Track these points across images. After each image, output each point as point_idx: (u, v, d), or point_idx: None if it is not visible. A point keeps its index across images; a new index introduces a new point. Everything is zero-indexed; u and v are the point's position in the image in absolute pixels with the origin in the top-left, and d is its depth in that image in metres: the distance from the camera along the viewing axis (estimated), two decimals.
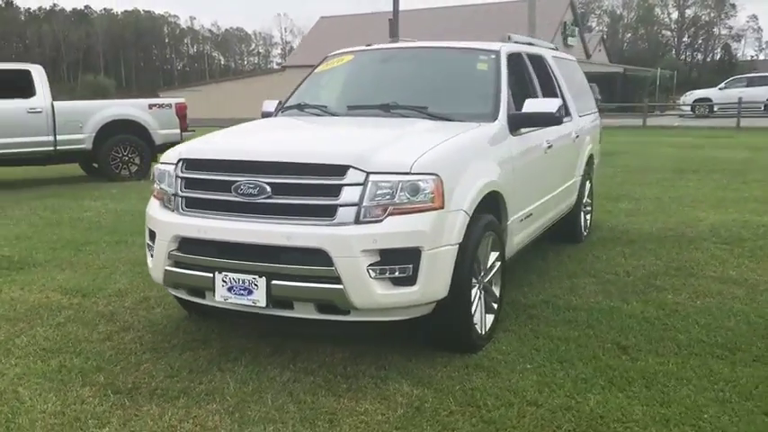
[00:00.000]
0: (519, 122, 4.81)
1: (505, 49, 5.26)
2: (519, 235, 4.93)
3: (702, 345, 4.19)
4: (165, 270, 4.00)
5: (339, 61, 5.71)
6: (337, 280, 3.55)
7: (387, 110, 4.81)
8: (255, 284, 3.68)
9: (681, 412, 3.35)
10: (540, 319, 4.69)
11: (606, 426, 3.22)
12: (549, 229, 6.21)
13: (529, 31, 25.90)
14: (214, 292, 3.80)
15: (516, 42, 6.04)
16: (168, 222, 3.99)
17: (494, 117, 4.68)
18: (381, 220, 3.59)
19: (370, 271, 3.55)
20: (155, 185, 4.23)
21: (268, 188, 3.71)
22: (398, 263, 3.60)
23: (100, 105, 13.02)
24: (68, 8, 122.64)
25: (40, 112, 12.02)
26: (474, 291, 4.11)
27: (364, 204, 3.59)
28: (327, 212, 3.62)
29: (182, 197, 3.99)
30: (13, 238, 7.60)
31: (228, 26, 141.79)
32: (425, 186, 3.65)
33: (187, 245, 3.92)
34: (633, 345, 4.21)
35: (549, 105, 4.80)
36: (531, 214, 5.14)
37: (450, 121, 4.59)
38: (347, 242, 3.54)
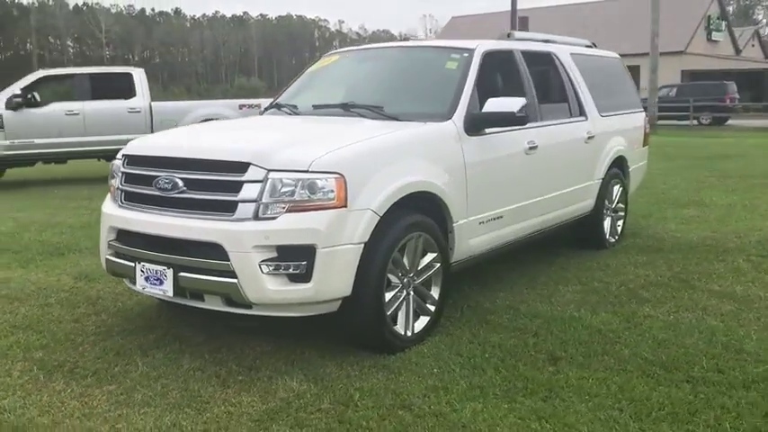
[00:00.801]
0: (478, 122, 4.69)
1: (483, 47, 5.13)
2: (480, 237, 4.81)
3: (641, 362, 3.92)
4: (106, 258, 4.29)
5: (327, 62, 5.81)
6: (233, 274, 3.67)
7: (346, 109, 4.85)
8: (165, 275, 3.87)
9: (552, 428, 3.18)
10: (492, 324, 4.56)
11: None
12: (555, 233, 6.00)
13: (651, 25, 24.64)
14: (135, 280, 4.03)
15: (517, 39, 5.86)
16: (108, 214, 4.27)
17: (447, 117, 4.60)
18: (276, 217, 3.66)
19: (263, 266, 3.64)
20: (109, 181, 4.52)
21: (181, 183, 3.89)
22: (293, 260, 3.66)
23: (194, 105, 13.86)
24: (228, 14, 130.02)
25: (139, 111, 12.97)
26: (396, 291, 4.07)
27: (263, 201, 3.68)
28: (229, 208, 3.74)
29: (121, 191, 4.26)
30: (77, 227, 8.32)
31: (375, 29, 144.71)
32: (324, 185, 3.69)
33: (122, 236, 4.18)
34: (568, 357, 4.01)
35: (511, 105, 4.64)
36: (500, 217, 4.98)
37: (396, 120, 4.57)
38: (240, 237, 3.64)
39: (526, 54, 5.63)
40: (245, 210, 3.70)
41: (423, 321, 4.32)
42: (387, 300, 4.00)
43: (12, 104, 12.14)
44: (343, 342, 4.16)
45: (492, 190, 4.88)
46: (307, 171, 3.69)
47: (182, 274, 3.82)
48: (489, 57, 5.14)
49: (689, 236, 7.11)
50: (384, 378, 3.74)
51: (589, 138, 6.14)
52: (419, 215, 4.19)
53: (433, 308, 4.37)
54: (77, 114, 12.62)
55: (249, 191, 3.71)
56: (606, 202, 6.66)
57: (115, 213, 4.21)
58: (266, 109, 5.57)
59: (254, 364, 3.96)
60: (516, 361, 3.95)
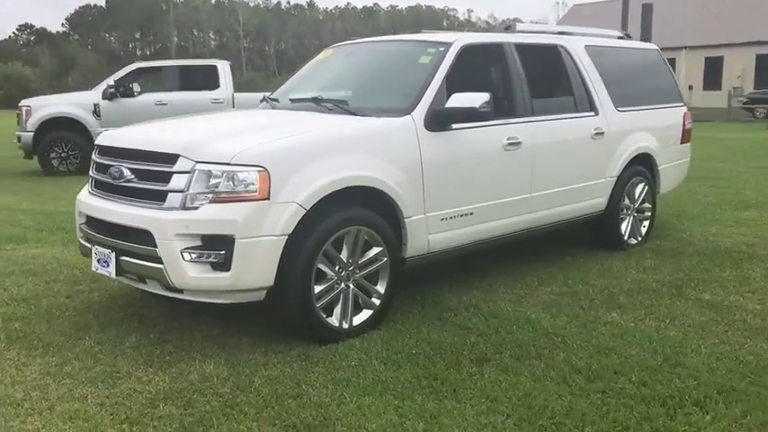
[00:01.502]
0: (440, 118, 4.64)
1: (461, 42, 5.05)
2: (443, 234, 4.76)
3: (568, 369, 3.78)
4: (79, 241, 4.64)
5: (323, 55, 5.92)
6: (159, 260, 3.88)
7: (317, 103, 4.95)
8: (110, 258, 4.15)
9: (425, 428, 3.16)
10: (444, 321, 4.54)
11: (307, 427, 3.18)
12: (555, 231, 5.83)
13: None
14: (92, 261, 4.35)
15: (519, 32, 5.71)
16: (79, 200, 4.61)
17: (407, 112, 4.59)
18: (199, 208, 3.83)
19: (185, 254, 3.82)
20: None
21: (126, 172, 4.15)
22: (213, 249, 3.82)
23: None
24: (359, 6, 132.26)
25: (222, 102, 13.60)
26: (331, 283, 4.14)
27: (190, 191, 3.86)
28: (160, 197, 3.96)
29: (91, 178, 4.59)
30: None
31: (506, 17, 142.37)
32: (246, 177, 3.82)
33: (88, 220, 4.50)
34: (499, 359, 3.94)
35: (473, 100, 4.57)
36: (470, 213, 4.91)
37: (354, 115, 4.62)
38: (164, 225, 3.85)
39: (521, 47, 5.48)
40: (173, 199, 3.90)
41: (365, 315, 4.35)
42: (317, 291, 4.07)
43: (107, 95, 13.09)
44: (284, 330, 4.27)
45: (458, 186, 4.81)
46: (229, 164, 3.83)
47: (122, 257, 4.08)
48: (469, 51, 5.06)
49: (723, 240, 6.65)
50: (298, 367, 3.83)
51: (597, 134, 5.88)
52: (359, 209, 4.23)
53: (378, 302, 4.39)
54: (166, 104, 13.38)
55: (178, 181, 3.90)
56: (625, 202, 6.35)
57: (83, 199, 4.54)
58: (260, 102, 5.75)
59: (190, 346, 4.16)
60: (441, 360, 3.92)
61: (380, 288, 4.41)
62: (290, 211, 3.89)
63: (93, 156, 4.61)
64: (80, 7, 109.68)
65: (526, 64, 5.44)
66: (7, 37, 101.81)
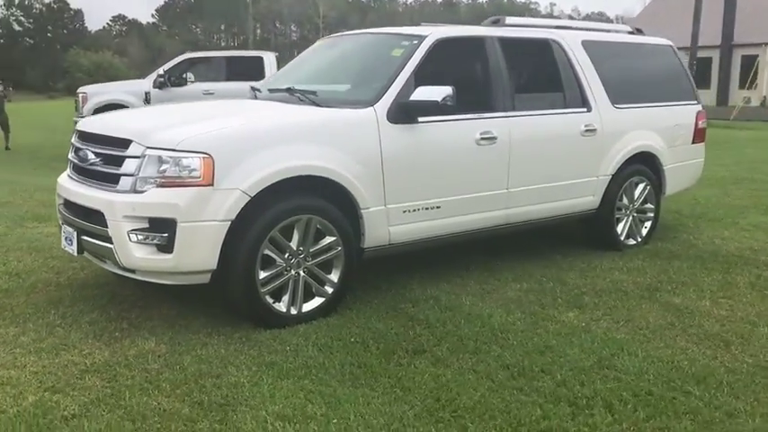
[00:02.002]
0: (404, 111, 4.67)
1: (436, 35, 5.05)
2: (406, 226, 4.79)
3: (496, 365, 3.78)
4: (59, 222, 4.90)
5: (315, 46, 6.03)
6: (110, 240, 4.08)
7: (291, 93, 5.05)
8: (73, 236, 4.38)
9: (320, 411, 3.24)
10: (397, 312, 4.58)
11: (213, 404, 3.31)
12: (539, 227, 5.78)
13: None
14: (61, 239, 4.59)
15: (508, 25, 5.65)
16: (58, 183, 4.87)
17: (370, 104, 4.64)
18: (146, 191, 4.00)
19: (131, 235, 4.00)
20: None
21: (91, 156, 4.37)
22: (158, 231, 3.98)
23: None
24: None
25: None
26: (278, 270, 4.24)
27: (140, 175, 4.04)
28: (115, 180, 4.15)
29: (70, 161, 4.83)
30: None
31: (590, 11, 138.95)
32: (190, 163, 3.96)
33: (65, 202, 4.75)
34: (434, 352, 3.95)
35: (435, 94, 4.59)
36: (437, 207, 4.92)
37: (317, 106, 4.70)
38: (113, 207, 4.05)
39: (505, 41, 5.42)
40: (125, 182, 4.08)
41: (317, 302, 4.44)
42: (263, 277, 4.18)
43: (157, 83, 13.58)
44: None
45: (424, 179, 4.83)
46: (175, 150, 3.98)
47: (83, 237, 4.30)
48: (444, 44, 5.06)
49: (729, 245, 6.39)
50: (233, 349, 3.96)
51: (588, 130, 5.76)
52: (311, 198, 4.31)
53: (330, 290, 4.47)
54: (212, 93, 13.76)
55: (130, 165, 4.09)
56: (623, 201, 6.20)
57: (61, 182, 4.79)
58: None
59: (144, 324, 4.34)
60: (377, 349, 3.97)
61: (333, 277, 4.49)
62: (234, 198, 4.01)
63: (72, 140, 4.85)
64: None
65: (510, 58, 5.39)
66: (101, 27, 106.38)
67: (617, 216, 6.21)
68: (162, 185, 3.98)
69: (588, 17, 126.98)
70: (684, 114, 6.69)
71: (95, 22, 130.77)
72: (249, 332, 4.19)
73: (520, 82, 5.46)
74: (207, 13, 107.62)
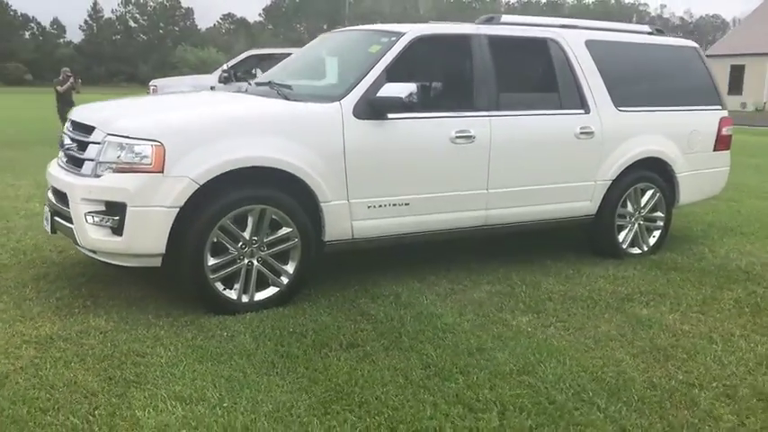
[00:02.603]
0: (371, 107, 4.69)
1: (414, 33, 5.03)
2: (371, 221, 4.81)
3: (414, 362, 3.77)
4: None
5: (312, 42, 6.12)
6: (71, 221, 4.32)
7: (272, 87, 5.17)
8: (48, 216, 4.66)
9: (217, 393, 3.33)
10: (353, 306, 4.61)
11: (124, 380, 3.46)
12: (528, 230, 5.67)
13: None
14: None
15: (504, 23, 5.55)
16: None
17: (339, 98, 4.68)
18: (102, 175, 4.21)
19: (88, 217, 4.22)
20: None
21: (68, 141, 4.63)
22: (110, 214, 4.19)
23: None
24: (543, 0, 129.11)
25: None
26: (230, 258, 4.36)
27: (99, 160, 4.26)
28: (80, 164, 4.39)
29: (61, 148, 5.13)
30: None
31: (703, 13, 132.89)
32: (141, 150, 4.14)
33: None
34: (366, 346, 3.94)
35: (399, 90, 4.59)
36: (406, 204, 4.92)
37: (286, 99, 4.79)
38: (74, 190, 4.28)
39: (495, 40, 5.34)
40: (87, 167, 4.31)
41: (270, 291, 4.53)
42: (213, 264, 4.31)
43: (221, 78, 14.05)
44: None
45: (392, 175, 4.83)
46: (129, 137, 4.17)
47: (54, 217, 4.56)
48: (423, 42, 5.04)
49: (743, 260, 6.01)
50: (172, 332, 4.08)
51: (585, 133, 5.59)
52: (265, 189, 4.40)
53: (285, 281, 4.55)
54: None
55: (92, 151, 4.31)
56: (627, 208, 5.98)
57: (49, 166, 5.08)
58: None
59: (105, 303, 4.54)
60: (311, 340, 4.00)
61: (289, 268, 4.56)
62: (182, 185, 4.15)
63: (65, 127, 5.14)
64: None
65: (500, 57, 5.30)
66: (212, 25, 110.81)
67: (619, 223, 5.99)
68: (117, 171, 4.17)
69: (702, 19, 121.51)
70: (705, 120, 6.36)
71: (206, 20, 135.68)
72: (198, 317, 4.32)
73: (509, 81, 5.35)
74: (311, 13, 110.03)
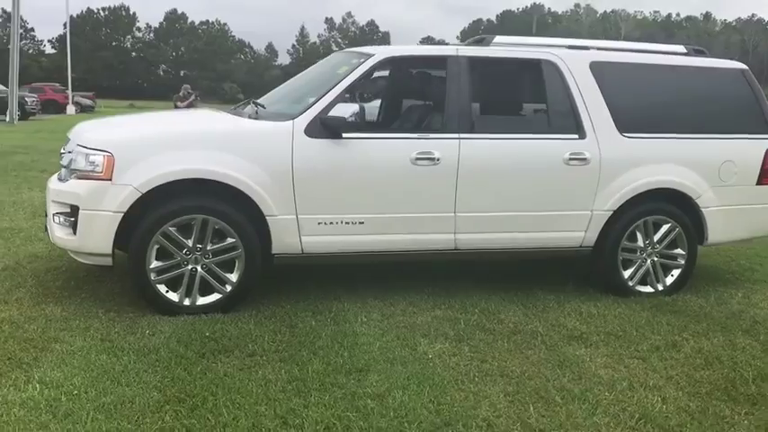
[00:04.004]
0: (324, 126, 4.83)
1: (384, 54, 5.10)
2: (321, 237, 4.93)
3: (286, 376, 3.83)
4: None
5: (321, 61, 6.36)
6: (48, 220, 4.91)
7: (249, 103, 5.49)
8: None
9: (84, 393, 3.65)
10: (286, 318, 4.72)
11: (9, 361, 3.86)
12: (508, 259, 5.49)
13: None
14: None
15: (496, 45, 5.43)
16: None
17: (293, 118, 4.89)
18: (68, 181, 4.75)
19: (55, 217, 4.78)
20: None
21: (62, 151, 5.25)
22: (70, 216, 4.71)
23: None
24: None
25: None
26: (173, 262, 4.71)
27: (70, 167, 4.81)
28: (61, 171, 4.97)
29: None
30: None
31: None
32: (95, 159, 4.62)
33: None
34: (257, 356, 4.05)
35: (345, 111, 4.73)
36: (361, 222, 4.98)
37: (250, 119, 5.07)
38: (49, 193, 4.87)
39: (477, 61, 5.24)
40: (63, 173, 4.88)
41: (213, 298, 4.81)
42: (155, 266, 4.67)
43: None
44: None
45: (344, 193, 4.91)
46: (87, 147, 4.66)
47: (45, 217, 5.18)
48: (393, 63, 5.12)
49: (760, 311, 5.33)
50: (98, 325, 4.42)
51: (576, 159, 5.28)
52: (208, 200, 4.69)
53: (228, 288, 4.81)
54: None
55: (67, 159, 4.87)
56: (636, 242, 5.55)
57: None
58: None
59: (76, 293, 5.05)
60: (212, 345, 4.19)
61: (233, 277, 4.80)
62: (126, 193, 4.55)
63: None
64: (473, 21, 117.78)
65: (481, 79, 5.21)
66: None
67: (625, 257, 5.56)
68: (78, 177, 4.67)
69: None
70: (743, 149, 5.72)
71: (404, 42, 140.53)
72: (138, 314, 4.68)
73: (490, 104, 5.23)
74: (509, 35, 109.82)
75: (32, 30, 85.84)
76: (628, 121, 5.43)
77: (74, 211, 4.63)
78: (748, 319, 5.03)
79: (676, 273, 5.69)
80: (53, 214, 4.75)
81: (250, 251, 4.77)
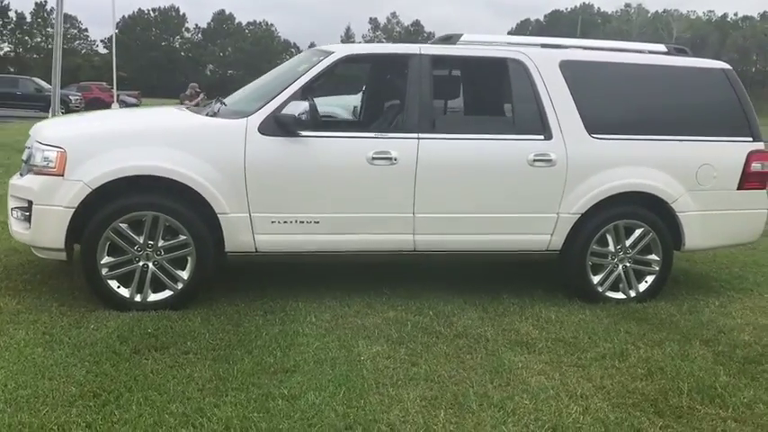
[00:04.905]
0: (278, 124, 4.81)
1: (343, 52, 5.06)
2: (274, 236, 4.91)
3: (205, 373, 3.83)
4: None
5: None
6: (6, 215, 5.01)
7: (218, 101, 5.50)
8: None
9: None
10: (237, 317, 4.72)
11: None
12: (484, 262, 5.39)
13: None
14: None
15: (463, 43, 5.33)
16: None
17: (247, 115, 4.88)
18: (25, 176, 4.83)
19: (13, 212, 4.87)
20: None
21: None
22: (25, 210, 4.78)
23: None
24: None
25: None
26: (124, 258, 4.74)
27: (29, 163, 4.89)
28: (22, 167, 5.06)
29: None
30: None
31: None
32: (49, 155, 4.68)
33: None
34: (190, 354, 4.03)
35: (294, 108, 4.70)
36: (316, 222, 4.95)
37: (207, 116, 5.07)
38: (8, 188, 4.95)
39: (440, 60, 5.16)
40: (23, 168, 4.96)
41: (165, 294, 4.83)
42: (106, 261, 4.71)
43: None
44: None
45: (298, 192, 4.88)
46: (42, 143, 4.73)
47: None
48: (352, 62, 5.06)
49: (736, 320, 5.11)
50: (49, 319, 4.46)
51: (540, 160, 5.15)
52: (159, 197, 4.71)
53: (180, 286, 4.82)
54: None
55: (26, 154, 4.95)
56: (607, 247, 5.39)
57: None
58: None
59: (43, 287, 5.13)
60: (151, 341, 4.21)
61: (184, 274, 4.81)
62: (77, 189, 4.60)
63: None
64: (521, 21, 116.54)
65: (443, 78, 5.13)
66: None
67: (594, 262, 5.40)
68: (35, 173, 4.74)
69: None
70: (723, 153, 5.51)
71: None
72: (90, 309, 4.72)
73: (451, 103, 5.14)
74: (556, 35, 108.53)
75: (86, 30, 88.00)
76: (598, 122, 5.27)
77: (28, 205, 4.69)
78: (714, 329, 4.82)
79: (650, 279, 5.51)
80: (11, 209, 4.84)
81: (201, 249, 4.78)
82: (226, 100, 5.46)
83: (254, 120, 4.80)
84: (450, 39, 5.39)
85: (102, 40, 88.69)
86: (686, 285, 5.94)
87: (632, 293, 5.46)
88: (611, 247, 5.40)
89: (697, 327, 4.87)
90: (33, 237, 4.70)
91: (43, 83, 33.25)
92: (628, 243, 5.41)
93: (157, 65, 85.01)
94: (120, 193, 4.65)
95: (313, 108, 4.63)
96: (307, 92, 4.92)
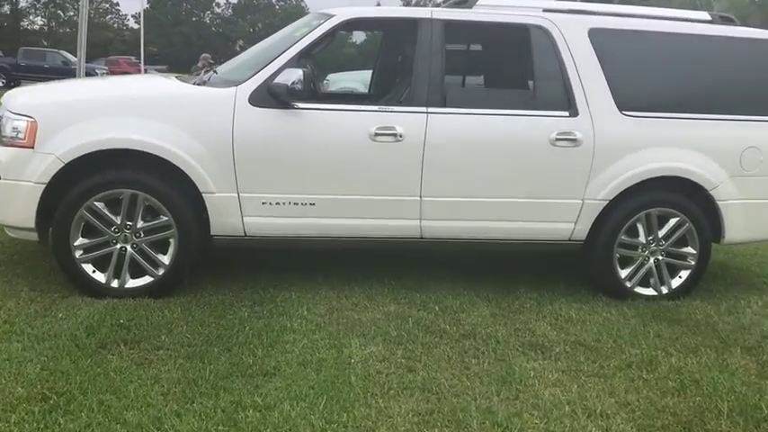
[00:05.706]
0: (271, 94, 4.32)
1: (345, 16, 4.53)
2: (266, 219, 4.45)
3: (180, 366, 3.41)
4: None
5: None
6: None
7: (215, 72, 5.02)
8: None
9: None
10: (221, 308, 4.29)
11: None
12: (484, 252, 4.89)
13: None
14: None
15: (480, 7, 4.75)
16: None
17: (237, 84, 4.40)
18: None
19: None
20: None
21: None
22: None
23: None
24: None
25: None
26: (101, 240, 4.31)
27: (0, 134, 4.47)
28: None
29: None
30: None
31: None
32: (18, 125, 4.25)
33: None
34: (165, 348, 3.66)
35: (288, 77, 4.20)
36: (312, 204, 4.47)
37: (196, 85, 4.61)
38: None
39: (453, 26, 4.61)
40: None
41: (145, 281, 4.40)
42: (80, 243, 4.28)
43: None
44: None
45: (292, 171, 4.40)
46: (13, 113, 4.29)
47: None
48: (354, 26, 4.59)
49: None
50: (15, 306, 4.08)
51: (564, 139, 4.60)
52: (137, 173, 4.27)
53: (161, 271, 4.39)
54: None
55: None
56: (638, 238, 4.83)
57: None
58: None
59: (15, 273, 4.73)
60: (122, 333, 3.81)
61: (165, 259, 4.38)
62: (48, 162, 4.16)
63: None
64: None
65: (457, 46, 4.60)
66: None
67: (622, 254, 4.85)
68: (3, 144, 4.31)
69: None
70: (726, 129, 4.88)
71: None
72: (62, 295, 4.32)
73: (466, 74, 4.60)
74: None
75: (117, 4, 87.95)
76: (630, 98, 4.70)
77: None
78: (757, 334, 4.26)
79: (685, 274, 4.95)
80: None
81: (185, 231, 4.33)
82: (219, 68, 4.98)
83: (244, 89, 4.32)
84: (465, 2, 4.83)
85: (133, 15, 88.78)
86: (724, 282, 5.37)
87: (664, 290, 4.91)
88: (642, 238, 4.84)
89: (737, 331, 4.31)
90: (1, 214, 4.28)
91: (70, 56, 33.09)
92: (661, 234, 4.85)
93: (188, 40, 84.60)
94: (96, 168, 4.20)
95: (309, 77, 4.12)
96: (304, 59, 4.41)
